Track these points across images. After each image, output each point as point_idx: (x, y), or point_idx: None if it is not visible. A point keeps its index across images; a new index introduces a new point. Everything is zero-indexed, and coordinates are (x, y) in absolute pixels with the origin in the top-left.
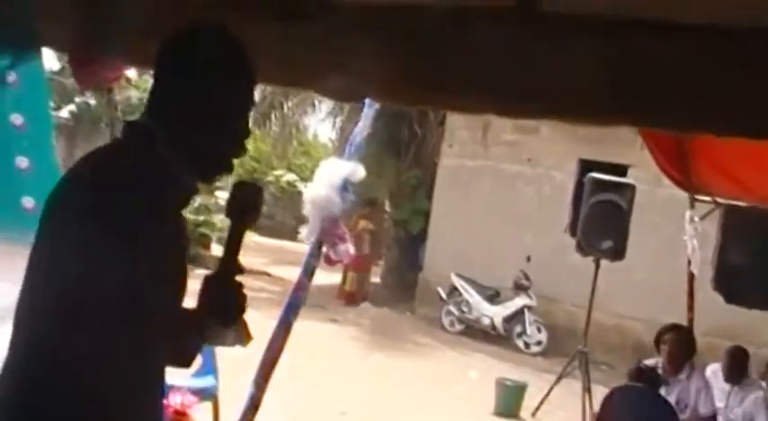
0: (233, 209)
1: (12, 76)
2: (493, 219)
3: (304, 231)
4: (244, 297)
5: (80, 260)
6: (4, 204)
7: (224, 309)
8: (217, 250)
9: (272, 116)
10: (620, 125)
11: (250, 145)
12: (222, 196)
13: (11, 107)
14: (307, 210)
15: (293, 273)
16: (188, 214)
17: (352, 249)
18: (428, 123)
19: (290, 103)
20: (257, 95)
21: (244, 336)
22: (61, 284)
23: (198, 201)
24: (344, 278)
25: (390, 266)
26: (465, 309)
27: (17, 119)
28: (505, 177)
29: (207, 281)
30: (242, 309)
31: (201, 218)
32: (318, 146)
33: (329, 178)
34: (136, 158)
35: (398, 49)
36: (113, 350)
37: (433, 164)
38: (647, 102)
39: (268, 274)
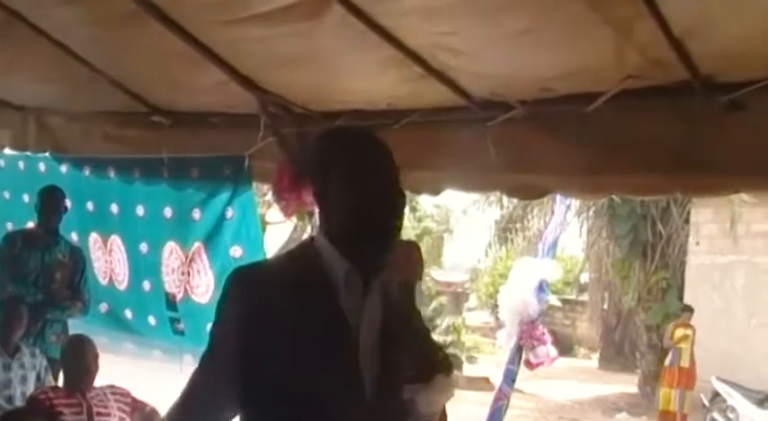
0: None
1: (230, 212)
2: (752, 317)
3: (501, 336)
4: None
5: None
6: None
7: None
8: (468, 370)
9: (515, 230)
10: None
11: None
12: (468, 316)
13: (230, 240)
14: (503, 313)
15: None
16: (437, 335)
17: (553, 352)
18: (672, 222)
19: (530, 215)
20: (498, 213)
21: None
22: None
23: (446, 321)
24: (661, 395)
25: (646, 374)
26: (731, 416)
27: (236, 250)
28: (761, 271)
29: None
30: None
31: (450, 338)
32: (565, 258)
33: (524, 280)
34: (289, 254)
35: (573, 140)
36: None
37: (681, 263)
38: None
39: (520, 391)
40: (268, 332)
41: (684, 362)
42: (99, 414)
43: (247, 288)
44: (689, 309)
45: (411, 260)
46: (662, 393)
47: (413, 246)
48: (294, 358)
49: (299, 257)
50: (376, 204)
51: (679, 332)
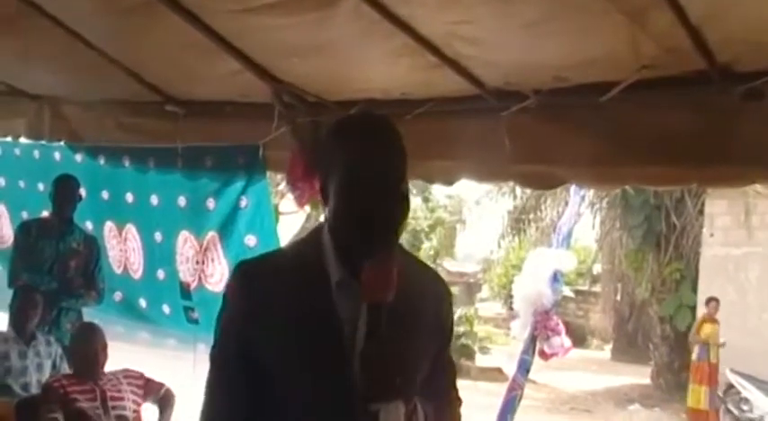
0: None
1: (244, 201)
2: (767, 309)
3: (515, 326)
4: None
5: None
6: None
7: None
8: (481, 361)
9: (528, 221)
10: None
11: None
12: (481, 307)
13: (244, 229)
14: (517, 303)
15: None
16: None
17: (567, 342)
18: (686, 213)
19: (543, 206)
20: (511, 204)
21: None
22: None
23: (458, 311)
24: (690, 392)
25: (659, 365)
26: (745, 408)
27: (251, 239)
28: None
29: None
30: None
31: (462, 328)
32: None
33: (538, 270)
34: (297, 247)
35: (587, 129)
36: None
37: (695, 255)
38: None
39: (532, 381)
40: (265, 327)
41: (714, 358)
42: (113, 398)
43: (249, 282)
44: (714, 300)
45: (380, 276)
46: (691, 390)
47: (385, 261)
48: (286, 358)
49: (309, 244)
50: (374, 207)
51: (707, 327)
